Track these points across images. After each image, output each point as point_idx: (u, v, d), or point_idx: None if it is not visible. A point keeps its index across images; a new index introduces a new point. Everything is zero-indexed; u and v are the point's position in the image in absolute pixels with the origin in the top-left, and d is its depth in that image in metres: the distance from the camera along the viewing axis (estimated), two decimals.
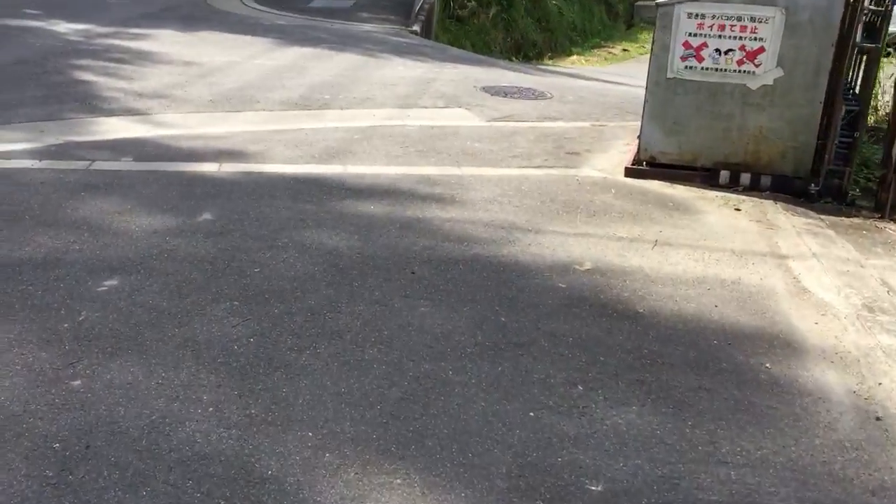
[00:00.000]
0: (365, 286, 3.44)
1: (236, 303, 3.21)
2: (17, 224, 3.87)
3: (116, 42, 8.92)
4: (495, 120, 6.72)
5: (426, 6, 13.58)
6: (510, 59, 14.28)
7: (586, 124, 6.81)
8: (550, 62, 15.74)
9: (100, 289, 3.23)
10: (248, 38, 9.97)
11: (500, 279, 3.60)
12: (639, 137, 5.43)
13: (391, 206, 4.45)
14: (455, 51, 11.40)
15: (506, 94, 7.83)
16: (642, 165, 5.34)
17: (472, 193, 4.75)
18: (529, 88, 8.21)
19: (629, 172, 5.30)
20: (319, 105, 6.86)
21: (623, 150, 5.86)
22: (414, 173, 5.08)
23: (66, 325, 2.98)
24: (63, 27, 9.56)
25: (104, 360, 2.76)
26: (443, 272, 3.64)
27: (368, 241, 3.92)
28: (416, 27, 12.11)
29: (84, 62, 7.80)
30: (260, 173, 4.86)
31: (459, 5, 15.51)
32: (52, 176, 4.58)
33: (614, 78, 12.40)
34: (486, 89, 7.93)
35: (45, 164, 4.79)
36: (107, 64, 7.80)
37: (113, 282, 3.29)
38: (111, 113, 6.17)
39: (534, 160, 5.55)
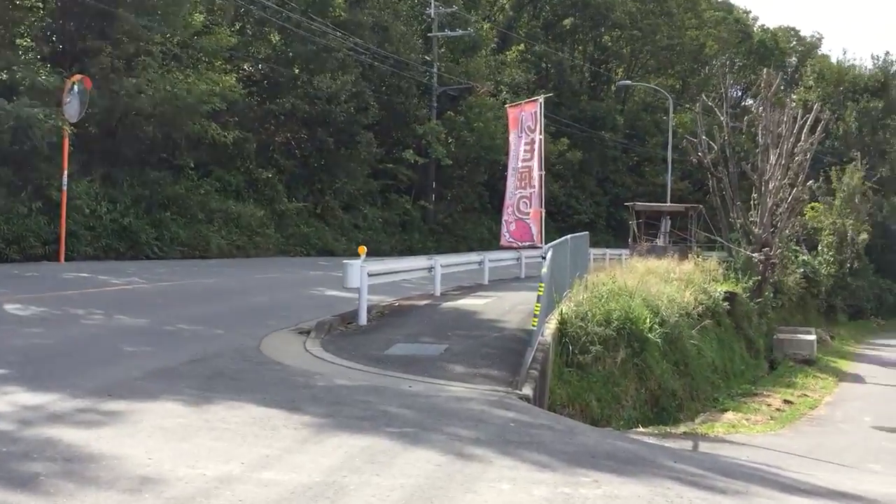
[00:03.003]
0: None
1: None
2: None
3: (63, 433, 5.67)
4: None
5: (539, 355, 10.24)
6: (656, 427, 10.46)
7: None
8: (705, 427, 11.81)
9: None
10: (281, 415, 6.62)
11: None
12: None
13: None
14: (586, 433, 7.68)
15: None
16: None
17: None
18: None
19: None
20: None
21: None
22: None
23: None
24: (7, 400, 6.46)
25: None
26: None
27: None
28: (527, 390, 8.62)
29: None
30: None
31: (580, 349, 12.17)
32: None
33: (824, 471, 8.34)
34: None
35: None
36: None
37: None
38: None
39: None
